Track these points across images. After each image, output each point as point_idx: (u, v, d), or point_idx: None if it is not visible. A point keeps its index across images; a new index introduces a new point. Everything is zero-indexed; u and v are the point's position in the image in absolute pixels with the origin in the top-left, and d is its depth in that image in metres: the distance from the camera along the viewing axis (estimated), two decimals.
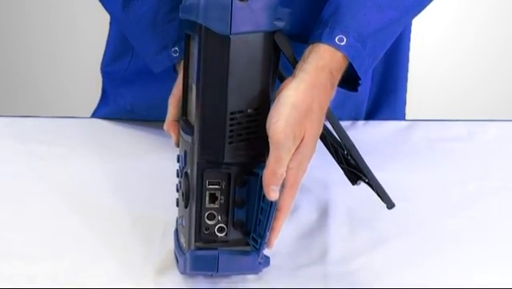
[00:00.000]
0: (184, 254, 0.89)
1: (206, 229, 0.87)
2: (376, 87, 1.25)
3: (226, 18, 0.83)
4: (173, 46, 1.02)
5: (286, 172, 0.84)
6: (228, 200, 0.87)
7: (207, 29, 0.83)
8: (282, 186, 0.85)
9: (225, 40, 0.83)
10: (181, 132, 0.90)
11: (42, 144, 1.17)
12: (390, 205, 0.89)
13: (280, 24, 0.85)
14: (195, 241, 0.87)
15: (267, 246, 0.87)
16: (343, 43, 0.88)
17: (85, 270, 0.93)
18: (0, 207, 1.04)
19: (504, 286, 0.92)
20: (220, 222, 0.87)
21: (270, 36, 0.85)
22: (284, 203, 0.86)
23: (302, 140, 0.85)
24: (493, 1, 2.55)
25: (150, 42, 1.05)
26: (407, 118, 1.30)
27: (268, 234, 0.86)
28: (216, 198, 0.87)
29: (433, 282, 0.93)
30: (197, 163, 0.86)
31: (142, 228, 1.00)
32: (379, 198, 0.90)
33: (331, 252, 0.96)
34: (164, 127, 0.95)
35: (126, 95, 1.24)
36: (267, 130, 0.83)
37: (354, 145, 0.89)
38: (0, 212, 1.03)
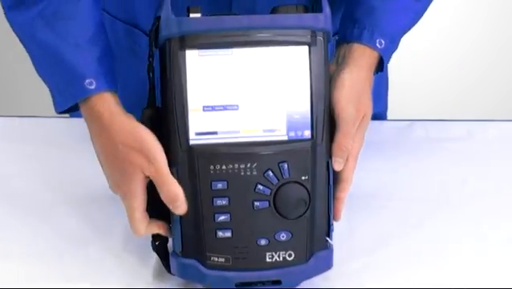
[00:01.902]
0: (292, 266, 0.88)
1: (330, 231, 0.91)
2: None
3: None
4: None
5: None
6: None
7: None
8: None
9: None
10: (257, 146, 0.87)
11: (41, 144, 1.17)
12: None
13: None
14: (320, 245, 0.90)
15: (335, 218, 0.92)
16: (382, 46, 0.98)
17: (85, 270, 0.93)
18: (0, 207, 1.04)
19: (504, 286, 0.92)
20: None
21: None
22: (348, 174, 0.92)
23: (363, 116, 0.93)
24: (494, 1, 2.55)
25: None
26: (407, 118, 1.30)
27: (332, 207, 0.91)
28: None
29: (433, 282, 0.93)
30: (326, 163, 0.89)
31: None
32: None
33: None
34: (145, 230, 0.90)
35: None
36: (332, 111, 0.90)
37: None
38: (0, 212, 1.03)
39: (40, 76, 0.96)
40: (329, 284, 0.92)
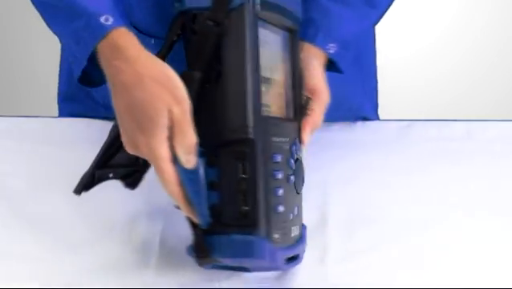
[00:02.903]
0: (300, 242, 0.90)
1: None
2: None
3: None
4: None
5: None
6: None
7: None
8: None
9: None
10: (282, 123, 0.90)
11: (41, 144, 1.17)
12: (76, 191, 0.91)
13: None
14: None
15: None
16: (332, 51, 1.03)
17: (84, 270, 0.94)
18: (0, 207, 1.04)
19: (504, 286, 0.92)
20: None
21: None
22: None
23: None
24: (494, 1, 2.55)
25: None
26: (407, 118, 1.30)
27: None
28: None
29: (433, 282, 0.93)
30: None
31: (141, 227, 1.00)
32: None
33: (330, 252, 0.97)
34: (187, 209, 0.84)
35: (99, 89, 1.01)
36: (312, 90, 0.95)
37: None
38: (0, 212, 1.03)
39: (56, 34, 0.94)
40: (328, 284, 0.92)
